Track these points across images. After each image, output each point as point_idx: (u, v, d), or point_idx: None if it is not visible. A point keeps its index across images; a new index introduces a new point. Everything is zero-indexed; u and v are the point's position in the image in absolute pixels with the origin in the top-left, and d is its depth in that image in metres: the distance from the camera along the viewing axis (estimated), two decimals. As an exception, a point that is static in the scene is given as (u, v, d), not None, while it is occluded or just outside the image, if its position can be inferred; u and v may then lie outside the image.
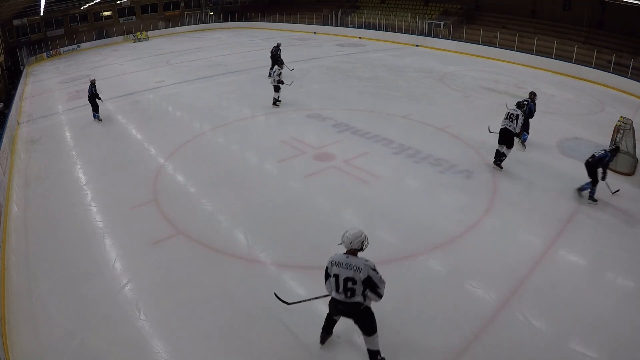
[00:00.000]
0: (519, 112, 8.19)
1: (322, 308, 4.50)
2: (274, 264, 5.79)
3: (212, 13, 40.55)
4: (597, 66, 16.54)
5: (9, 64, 27.74)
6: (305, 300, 4.61)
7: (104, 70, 21.18)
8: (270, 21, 35.60)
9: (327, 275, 4.03)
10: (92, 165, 9.46)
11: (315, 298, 4.54)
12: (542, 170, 8.45)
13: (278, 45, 16.38)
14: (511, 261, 5.72)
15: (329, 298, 4.08)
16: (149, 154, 9.92)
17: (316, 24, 31.91)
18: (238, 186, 8.03)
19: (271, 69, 14.37)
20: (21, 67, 27.03)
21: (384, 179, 8.19)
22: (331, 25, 30.60)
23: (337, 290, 3.91)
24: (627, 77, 15.07)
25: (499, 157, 8.26)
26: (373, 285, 3.80)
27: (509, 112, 8.26)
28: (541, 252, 5.91)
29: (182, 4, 39.59)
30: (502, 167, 8.27)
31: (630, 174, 8.26)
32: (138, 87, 16.39)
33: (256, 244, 6.27)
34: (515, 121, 8.10)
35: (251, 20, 37.33)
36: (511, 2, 23.28)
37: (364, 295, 3.85)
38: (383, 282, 3.86)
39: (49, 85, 19.40)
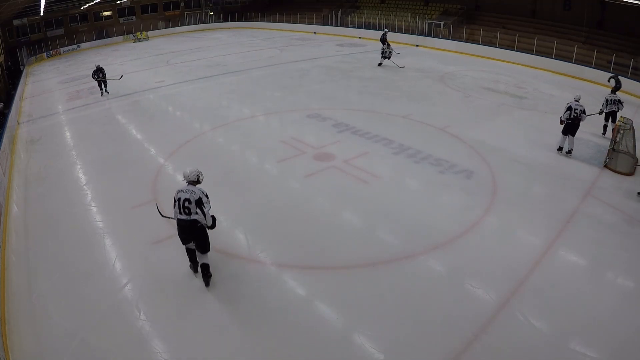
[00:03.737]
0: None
1: (323, 313, 4.47)
2: (274, 264, 5.79)
3: (212, 13, 40.56)
4: (597, 66, 16.54)
5: (9, 64, 27.74)
6: (170, 218, 5.32)
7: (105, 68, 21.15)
8: (270, 21, 35.60)
9: (174, 202, 4.98)
10: (92, 165, 9.46)
11: (165, 216, 5.51)
12: (542, 170, 8.45)
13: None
14: (511, 261, 5.72)
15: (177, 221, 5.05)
16: (149, 154, 9.92)
17: (316, 24, 31.91)
18: (238, 186, 8.03)
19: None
20: (21, 67, 27.03)
21: (384, 179, 8.19)
22: (331, 25, 30.61)
23: (179, 211, 4.95)
24: (627, 77, 15.07)
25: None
26: (201, 205, 4.87)
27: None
28: (541, 252, 5.91)
29: (182, 4, 39.59)
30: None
31: (630, 174, 8.26)
32: (138, 87, 16.40)
33: (256, 244, 6.27)
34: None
35: (251, 20, 37.34)
36: (511, 2, 23.28)
37: (201, 215, 4.88)
38: (209, 206, 4.96)
39: (49, 85, 19.40)
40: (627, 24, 18.20)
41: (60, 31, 33.27)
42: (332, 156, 9.10)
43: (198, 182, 5.13)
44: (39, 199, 8.06)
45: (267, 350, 4.47)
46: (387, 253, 5.97)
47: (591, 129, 10.81)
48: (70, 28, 33.74)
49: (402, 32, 25.47)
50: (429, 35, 24.55)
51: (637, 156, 8.55)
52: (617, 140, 8.45)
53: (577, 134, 9.08)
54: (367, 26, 28.62)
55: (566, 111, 8.94)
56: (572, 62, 17.52)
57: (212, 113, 12.75)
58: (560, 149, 9.27)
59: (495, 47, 20.68)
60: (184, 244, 5.26)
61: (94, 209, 7.49)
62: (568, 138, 9.06)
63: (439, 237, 6.28)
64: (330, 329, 4.73)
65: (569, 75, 16.89)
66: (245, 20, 37.94)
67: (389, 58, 18.05)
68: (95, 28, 34.57)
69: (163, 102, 14.61)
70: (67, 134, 11.90)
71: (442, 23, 24.35)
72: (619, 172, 8.28)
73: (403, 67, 17.67)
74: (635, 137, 8.55)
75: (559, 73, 17.30)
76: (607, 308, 4.94)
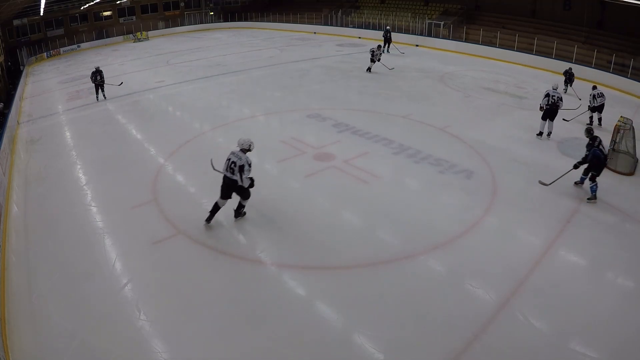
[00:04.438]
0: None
1: (323, 313, 4.47)
2: (274, 264, 5.79)
3: (212, 13, 40.53)
4: (597, 66, 16.53)
5: (9, 64, 27.74)
6: (217, 171, 6.43)
7: (104, 70, 21.12)
8: (270, 21, 35.57)
9: (226, 160, 6.21)
10: (92, 165, 9.46)
11: (216, 169, 6.44)
12: (542, 170, 8.44)
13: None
14: (511, 261, 5.72)
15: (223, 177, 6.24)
16: (149, 154, 9.92)
17: (316, 24, 31.89)
18: (238, 186, 8.02)
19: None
20: (21, 67, 27.02)
21: (384, 179, 8.19)
22: (331, 25, 30.58)
23: (226, 169, 6.20)
24: (627, 77, 15.08)
25: None
26: (242, 170, 6.07)
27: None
28: (541, 252, 5.91)
29: (182, 4, 39.58)
30: None
31: (630, 174, 8.26)
32: (138, 87, 16.39)
33: (256, 244, 6.27)
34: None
35: (251, 20, 37.31)
36: (511, 2, 23.27)
37: (239, 178, 6.10)
38: (249, 174, 6.17)
39: (49, 85, 19.40)
40: (627, 24, 18.19)
41: (60, 31, 33.25)
42: (332, 156, 9.10)
43: (248, 150, 6.25)
44: (39, 199, 8.06)
45: (267, 350, 4.47)
46: (387, 253, 5.97)
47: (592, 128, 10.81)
48: (70, 28, 33.72)
49: (402, 32, 25.45)
50: (429, 35, 24.53)
51: (637, 156, 8.55)
52: (617, 140, 8.45)
53: (578, 134, 9.08)
54: (367, 26, 28.61)
55: (544, 98, 9.82)
56: (572, 62, 17.49)
57: (212, 113, 12.75)
58: (540, 133, 10.04)
59: (495, 47, 20.67)
60: (221, 197, 6.38)
61: (94, 209, 7.49)
62: (547, 122, 9.90)
63: (439, 237, 6.29)
64: (330, 329, 4.73)
65: (569, 75, 16.85)
66: (245, 20, 37.91)
67: (379, 60, 17.17)
68: (95, 28, 34.55)
69: (163, 102, 14.61)
70: (67, 134, 11.90)
71: (442, 23, 24.34)
72: (619, 172, 8.28)
73: (392, 68, 17.39)
74: (635, 137, 8.56)
75: (559, 73, 17.19)
76: (607, 308, 4.94)
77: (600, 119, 10.93)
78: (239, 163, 6.08)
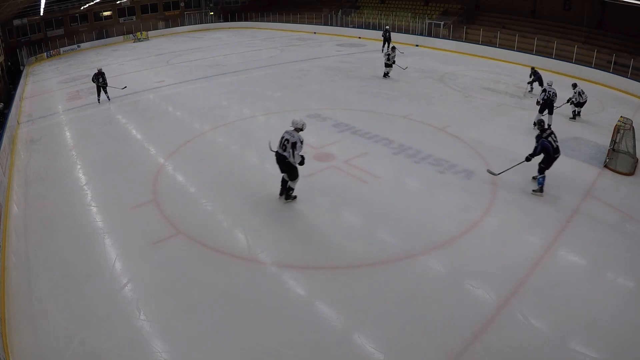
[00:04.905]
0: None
1: (323, 313, 4.48)
2: (274, 264, 5.79)
3: (212, 13, 40.51)
4: (597, 66, 16.53)
5: (9, 64, 27.73)
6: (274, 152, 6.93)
7: (104, 70, 21.13)
8: (270, 21, 35.57)
9: (280, 138, 6.79)
10: (92, 165, 9.46)
11: (272, 150, 6.96)
12: (542, 170, 8.44)
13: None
14: (511, 261, 5.72)
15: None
16: (149, 154, 9.92)
17: (316, 24, 31.88)
18: (238, 186, 8.03)
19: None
20: (21, 67, 27.02)
21: (384, 179, 8.19)
22: (331, 25, 30.58)
23: (279, 146, 6.79)
24: (627, 77, 15.07)
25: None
26: (294, 147, 6.58)
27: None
28: (541, 252, 5.91)
29: (182, 4, 39.56)
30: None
31: (630, 174, 8.26)
32: (138, 87, 16.38)
33: (256, 244, 6.27)
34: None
35: (251, 20, 37.31)
36: (511, 2, 23.27)
37: (290, 154, 6.62)
38: (300, 151, 6.67)
39: (49, 85, 19.40)
40: (627, 24, 18.18)
41: (60, 31, 33.23)
42: (332, 156, 9.10)
43: (301, 129, 6.82)
44: (39, 199, 8.06)
45: (267, 350, 4.47)
46: (387, 253, 5.97)
47: (592, 128, 10.83)
48: (70, 28, 33.71)
49: (402, 32, 25.45)
50: (429, 35, 24.52)
51: (637, 156, 8.55)
52: (617, 140, 8.45)
53: (577, 134, 9.08)
54: (367, 26, 28.61)
55: (542, 93, 10.41)
56: (572, 62, 17.50)
57: (212, 113, 12.75)
58: (535, 124, 9.94)
59: (495, 47, 20.67)
60: (281, 172, 7.02)
61: (94, 209, 7.49)
62: (547, 116, 10.32)
63: (439, 237, 6.29)
64: (330, 328, 4.73)
65: (569, 75, 16.85)
66: (245, 20, 37.91)
67: (394, 63, 16.32)
68: (95, 28, 34.53)
69: (163, 102, 14.61)
70: (67, 134, 11.90)
71: (442, 23, 24.33)
72: (619, 172, 8.28)
73: (406, 68, 17.42)
74: (635, 137, 8.56)
75: (559, 73, 17.26)
76: (607, 308, 4.94)
77: (580, 113, 11.54)
78: (291, 140, 6.62)
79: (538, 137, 7.32)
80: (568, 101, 11.36)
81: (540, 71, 14.34)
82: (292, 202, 7.24)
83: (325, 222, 6.82)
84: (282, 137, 6.76)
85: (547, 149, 7.14)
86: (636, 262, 5.76)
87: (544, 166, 7.29)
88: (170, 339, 4.65)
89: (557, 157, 7.27)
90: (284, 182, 7.15)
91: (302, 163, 6.79)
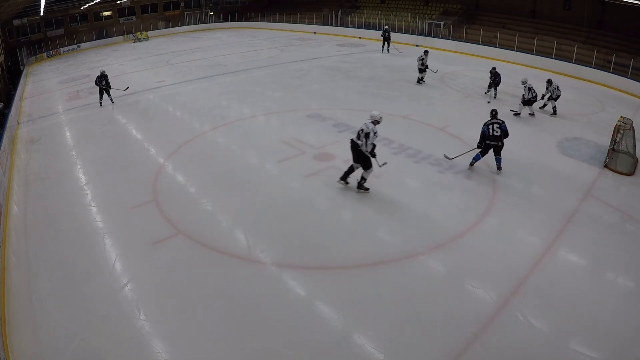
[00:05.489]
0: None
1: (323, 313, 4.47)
2: (274, 264, 5.79)
3: (212, 13, 40.52)
4: (597, 66, 16.53)
5: (9, 64, 27.73)
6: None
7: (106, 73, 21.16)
8: (270, 21, 35.58)
9: (359, 130, 7.27)
10: (92, 165, 9.46)
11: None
12: (542, 170, 8.45)
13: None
14: (511, 261, 5.72)
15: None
16: (149, 154, 9.92)
17: (316, 24, 31.88)
18: (238, 186, 8.03)
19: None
20: (21, 67, 27.02)
21: (384, 179, 8.18)
22: (331, 25, 30.58)
23: (355, 136, 7.27)
24: (627, 77, 15.07)
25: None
26: (367, 137, 7.03)
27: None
28: (541, 252, 5.91)
29: (182, 4, 39.56)
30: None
31: (630, 174, 8.26)
32: (138, 87, 16.38)
33: (256, 244, 6.27)
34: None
35: (251, 20, 37.31)
36: (511, 2, 23.27)
37: (363, 142, 7.07)
38: (373, 140, 7.09)
39: (49, 85, 19.40)
40: (627, 24, 18.18)
41: (60, 31, 33.24)
42: (332, 156, 9.10)
43: (378, 122, 7.26)
44: (39, 199, 8.06)
45: (267, 350, 4.47)
46: (387, 253, 5.97)
47: (592, 128, 10.83)
48: (70, 28, 33.71)
49: (402, 32, 25.46)
50: (429, 35, 24.52)
51: (637, 156, 8.55)
52: (617, 140, 8.44)
53: (577, 134, 9.08)
54: (367, 26, 28.60)
55: (529, 91, 11.24)
56: (572, 62, 17.50)
57: (212, 113, 12.75)
58: (517, 114, 11.61)
59: (495, 47, 20.67)
60: (354, 161, 7.42)
61: (94, 209, 7.49)
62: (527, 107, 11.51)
63: (439, 237, 6.29)
64: (330, 329, 4.73)
65: (569, 75, 16.87)
66: (245, 20, 37.91)
67: (427, 68, 15.19)
68: (95, 28, 34.54)
69: (163, 102, 14.61)
70: (67, 134, 11.91)
71: (442, 23, 24.33)
72: (619, 172, 8.28)
73: (437, 71, 16.26)
74: (635, 137, 8.55)
75: (559, 73, 17.25)
76: (607, 308, 4.94)
77: (551, 107, 12.00)
78: (366, 130, 7.09)
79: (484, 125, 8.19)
80: (549, 98, 11.80)
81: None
82: (364, 193, 7.51)
83: (325, 222, 6.82)
84: (360, 129, 7.25)
85: (483, 134, 8.01)
86: (636, 262, 5.76)
87: (480, 147, 8.14)
88: (170, 339, 4.65)
89: (495, 145, 7.98)
90: (350, 169, 7.55)
91: (372, 152, 7.17)
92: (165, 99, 14.95)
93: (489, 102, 12.95)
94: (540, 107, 12.10)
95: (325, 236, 6.42)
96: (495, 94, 13.39)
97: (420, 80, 15.45)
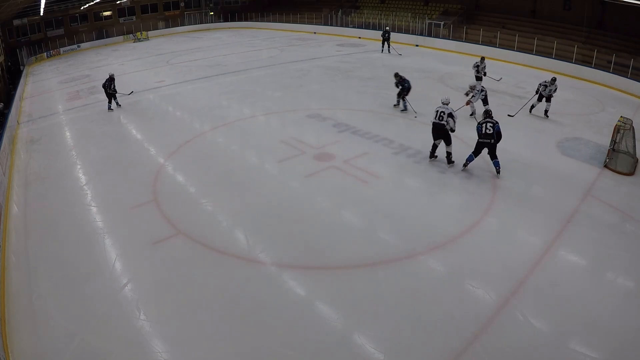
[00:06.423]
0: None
1: (323, 313, 4.46)
2: (274, 264, 5.79)
3: (212, 13, 40.51)
4: (597, 66, 16.52)
5: (9, 64, 27.73)
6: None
7: (104, 71, 21.14)
8: (270, 21, 35.57)
9: (435, 112, 8.30)
10: (92, 165, 9.46)
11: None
12: (542, 170, 8.45)
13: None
14: (511, 261, 5.72)
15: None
16: (149, 154, 9.92)
17: (316, 24, 31.88)
18: (238, 186, 8.03)
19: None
20: (21, 67, 27.02)
21: (384, 179, 8.19)
22: (331, 25, 30.58)
23: (435, 117, 8.26)
24: (627, 77, 15.06)
25: None
26: (451, 116, 8.13)
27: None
28: (541, 252, 5.91)
29: (182, 4, 39.56)
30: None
31: (630, 174, 8.26)
32: (138, 87, 16.36)
33: (256, 244, 6.27)
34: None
35: (251, 20, 37.31)
36: (511, 2, 23.27)
37: (446, 122, 8.10)
38: (454, 120, 8.22)
39: (49, 85, 19.40)
40: (627, 24, 18.18)
41: (60, 31, 33.23)
42: (332, 156, 9.10)
43: (448, 103, 8.33)
44: (39, 199, 8.06)
45: (267, 350, 4.47)
46: (387, 253, 5.97)
47: (592, 128, 10.82)
48: (70, 28, 33.70)
49: (402, 32, 25.46)
50: (429, 35, 24.52)
51: (637, 156, 8.55)
52: (617, 140, 8.44)
53: (577, 134, 9.07)
54: (367, 26, 28.60)
55: (481, 92, 11.28)
56: (572, 62, 17.50)
57: (212, 113, 12.75)
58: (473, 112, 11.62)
59: (495, 47, 20.66)
60: (433, 140, 8.50)
61: (94, 209, 7.49)
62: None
63: (439, 237, 6.29)
64: (330, 329, 4.73)
65: (569, 75, 16.86)
66: (245, 20, 37.90)
67: (485, 75, 14.39)
68: (95, 28, 34.53)
69: (163, 102, 14.61)
70: (67, 134, 11.91)
71: (442, 23, 24.33)
72: (619, 172, 8.28)
73: (500, 79, 15.32)
74: (635, 137, 8.55)
75: (559, 73, 17.20)
76: (607, 308, 4.94)
77: (533, 107, 11.82)
78: (446, 112, 8.10)
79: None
80: (539, 98, 11.57)
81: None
82: (446, 161, 8.47)
83: (326, 222, 6.82)
84: (437, 111, 8.20)
85: (477, 132, 8.08)
86: (636, 262, 5.76)
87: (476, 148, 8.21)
88: (170, 339, 4.65)
89: (487, 142, 7.92)
90: (434, 148, 8.58)
91: (452, 130, 8.22)
92: (165, 99, 14.95)
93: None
94: (530, 111, 11.80)
95: (325, 236, 6.42)
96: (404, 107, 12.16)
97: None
